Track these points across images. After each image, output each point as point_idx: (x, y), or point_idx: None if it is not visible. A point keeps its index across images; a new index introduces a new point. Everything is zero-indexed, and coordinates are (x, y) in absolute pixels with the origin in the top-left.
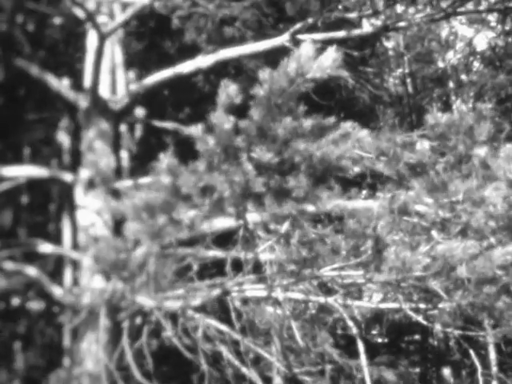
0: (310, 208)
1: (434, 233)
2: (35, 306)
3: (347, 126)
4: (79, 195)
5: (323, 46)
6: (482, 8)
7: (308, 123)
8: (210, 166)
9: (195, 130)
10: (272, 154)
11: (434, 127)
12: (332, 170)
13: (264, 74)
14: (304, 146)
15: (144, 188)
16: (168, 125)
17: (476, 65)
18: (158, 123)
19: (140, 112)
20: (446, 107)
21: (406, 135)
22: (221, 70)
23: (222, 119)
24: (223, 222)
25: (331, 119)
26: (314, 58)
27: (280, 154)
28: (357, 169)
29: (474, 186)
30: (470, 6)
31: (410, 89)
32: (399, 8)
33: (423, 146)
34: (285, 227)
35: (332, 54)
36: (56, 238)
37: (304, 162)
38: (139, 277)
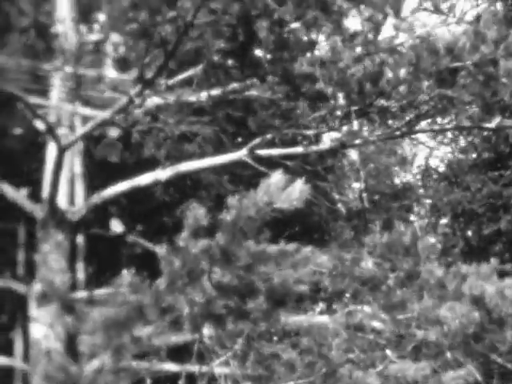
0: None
1: (388, 351)
2: None
3: (307, 250)
4: (32, 307)
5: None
6: (436, 127)
7: (272, 249)
8: (172, 286)
9: (160, 249)
10: (233, 276)
11: (373, 247)
12: (290, 293)
13: (232, 200)
14: (265, 269)
15: (100, 302)
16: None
17: (432, 181)
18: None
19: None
20: (404, 222)
21: (356, 252)
22: (179, 183)
23: (188, 242)
24: (179, 336)
25: (293, 245)
26: (283, 188)
27: (241, 276)
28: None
29: (429, 305)
30: (424, 124)
31: (366, 203)
32: (356, 125)
33: (367, 263)
34: (239, 343)
35: (300, 186)
36: (7, 350)
37: (264, 286)
38: None
